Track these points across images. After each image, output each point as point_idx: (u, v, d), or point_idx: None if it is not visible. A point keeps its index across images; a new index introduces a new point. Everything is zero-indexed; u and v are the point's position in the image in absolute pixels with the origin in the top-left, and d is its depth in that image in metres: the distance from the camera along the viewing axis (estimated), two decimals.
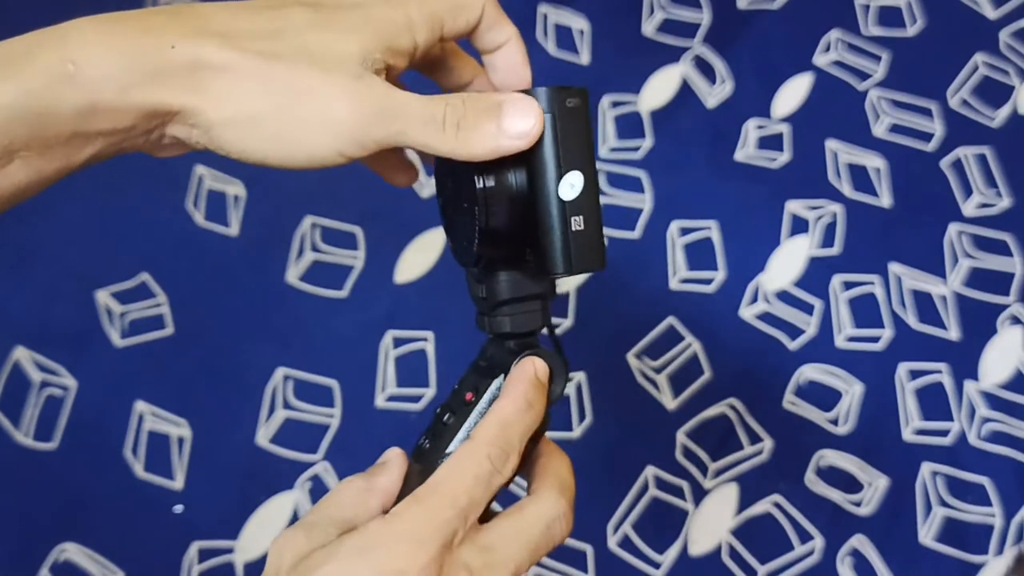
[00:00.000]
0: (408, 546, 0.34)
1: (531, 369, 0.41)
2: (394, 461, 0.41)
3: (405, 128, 0.36)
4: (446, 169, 0.43)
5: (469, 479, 0.36)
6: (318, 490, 0.95)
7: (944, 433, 1.00)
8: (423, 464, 0.40)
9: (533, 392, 0.40)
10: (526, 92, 0.38)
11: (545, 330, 0.44)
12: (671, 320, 1.04)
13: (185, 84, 0.34)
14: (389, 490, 0.40)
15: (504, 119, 0.37)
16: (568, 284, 1.05)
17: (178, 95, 0.34)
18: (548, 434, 0.42)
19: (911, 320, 1.04)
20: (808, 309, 1.05)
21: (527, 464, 0.41)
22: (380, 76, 0.36)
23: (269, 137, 0.35)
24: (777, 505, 0.96)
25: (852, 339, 1.04)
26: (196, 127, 0.35)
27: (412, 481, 0.40)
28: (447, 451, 0.40)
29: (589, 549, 0.94)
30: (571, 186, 0.38)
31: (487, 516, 0.38)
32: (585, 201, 0.39)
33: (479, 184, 0.39)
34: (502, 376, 0.41)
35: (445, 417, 0.41)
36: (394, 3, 0.37)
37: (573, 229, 0.39)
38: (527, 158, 0.38)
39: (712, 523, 0.95)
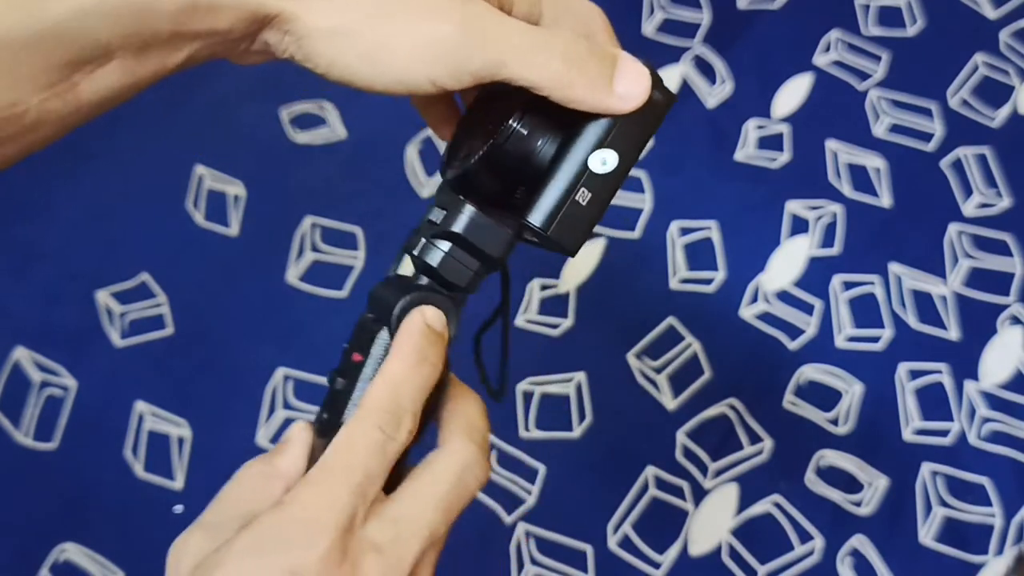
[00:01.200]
0: (303, 535, 0.32)
1: (419, 319, 0.37)
2: (297, 438, 0.38)
3: (508, 58, 0.34)
4: (485, 97, 0.41)
5: (361, 452, 0.34)
6: None
7: (944, 433, 1.00)
8: (325, 438, 0.37)
9: (425, 344, 0.36)
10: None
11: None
12: (671, 320, 1.04)
13: None
14: (292, 472, 0.37)
15: (617, 75, 0.35)
16: (568, 284, 1.06)
17: None
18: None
19: (911, 320, 1.04)
20: (808, 309, 1.05)
21: (435, 413, 0.38)
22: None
23: (362, 54, 0.33)
24: (777, 505, 0.96)
25: (852, 339, 1.04)
26: (290, 34, 0.33)
27: (316, 458, 0.37)
28: (342, 420, 0.37)
29: (589, 549, 0.94)
30: (602, 162, 0.36)
31: (397, 480, 0.35)
32: (603, 184, 0.36)
33: (513, 123, 0.36)
34: (385, 329, 0.38)
35: (336, 383, 0.39)
36: None
37: (575, 198, 0.36)
38: (577, 118, 0.36)
39: (712, 523, 0.95)
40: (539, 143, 0.37)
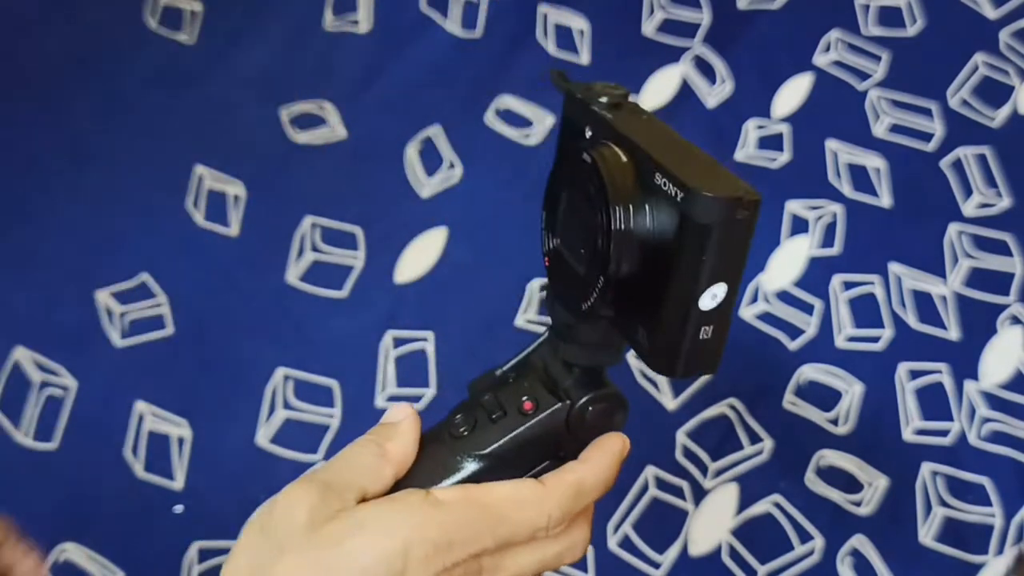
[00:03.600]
0: (429, 544, 0.34)
1: (620, 446, 0.40)
2: (407, 425, 0.39)
3: None
4: (563, 181, 0.40)
5: (522, 519, 0.36)
6: None
7: (944, 433, 1.00)
8: (453, 449, 0.39)
9: (616, 470, 0.39)
10: (711, 201, 0.33)
11: None
12: None
13: None
14: (403, 461, 0.38)
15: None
16: None
17: None
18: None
19: (911, 320, 1.04)
20: (808, 309, 1.05)
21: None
22: None
23: None
24: (777, 505, 0.96)
25: (852, 339, 1.04)
26: None
27: (434, 459, 0.39)
28: (484, 451, 0.39)
29: (589, 549, 0.94)
30: (713, 296, 0.35)
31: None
32: (721, 311, 0.35)
33: (615, 223, 0.35)
34: (568, 403, 0.40)
35: (494, 415, 0.40)
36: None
37: (700, 338, 0.36)
38: (672, 256, 0.34)
39: (712, 523, 0.95)
40: (648, 224, 0.36)
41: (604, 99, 0.41)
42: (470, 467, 0.39)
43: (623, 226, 0.35)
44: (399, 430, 0.39)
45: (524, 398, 0.40)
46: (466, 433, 0.39)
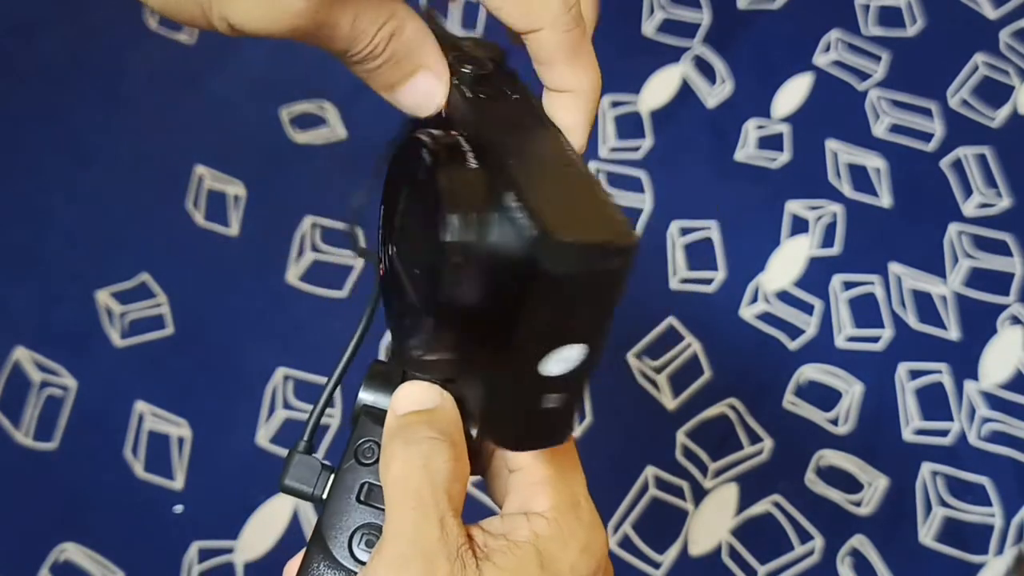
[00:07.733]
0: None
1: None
2: (452, 406, 0.34)
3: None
4: (404, 172, 0.31)
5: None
6: None
7: (944, 433, 1.00)
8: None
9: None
10: (566, 249, 0.24)
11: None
12: (671, 320, 1.04)
13: None
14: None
15: (400, 93, 0.31)
16: None
17: None
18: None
19: (911, 320, 1.04)
20: (808, 309, 1.05)
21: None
22: None
23: None
24: (777, 505, 0.96)
25: (852, 339, 1.04)
26: None
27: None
28: None
29: None
30: (563, 360, 0.26)
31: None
32: (576, 376, 0.27)
33: (448, 233, 0.26)
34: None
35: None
36: None
37: (543, 407, 0.27)
38: (515, 304, 0.25)
39: (712, 523, 0.95)
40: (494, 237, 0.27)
41: (468, 68, 0.31)
42: None
43: (460, 254, 0.26)
44: (450, 416, 0.33)
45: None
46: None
